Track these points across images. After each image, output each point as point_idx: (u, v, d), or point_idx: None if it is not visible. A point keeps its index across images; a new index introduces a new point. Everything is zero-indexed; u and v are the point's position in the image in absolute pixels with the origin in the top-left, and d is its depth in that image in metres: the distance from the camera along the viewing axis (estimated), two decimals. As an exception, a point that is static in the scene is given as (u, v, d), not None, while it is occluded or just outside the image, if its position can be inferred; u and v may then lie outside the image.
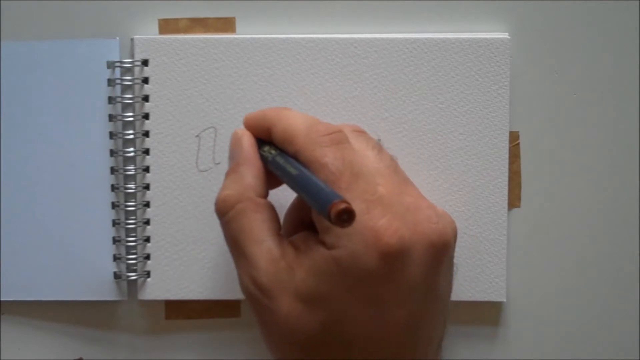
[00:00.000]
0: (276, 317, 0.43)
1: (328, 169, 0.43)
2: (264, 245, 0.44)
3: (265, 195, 0.46)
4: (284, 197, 0.47)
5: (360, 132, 0.46)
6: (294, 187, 0.44)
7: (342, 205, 0.39)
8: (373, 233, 0.42)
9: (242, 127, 0.47)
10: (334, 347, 0.43)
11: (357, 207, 0.41)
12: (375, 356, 0.43)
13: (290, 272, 0.43)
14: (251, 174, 0.45)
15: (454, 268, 0.47)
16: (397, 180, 0.45)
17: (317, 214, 0.43)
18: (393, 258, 0.42)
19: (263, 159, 0.46)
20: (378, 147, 0.46)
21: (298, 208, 0.47)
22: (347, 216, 0.39)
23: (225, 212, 0.45)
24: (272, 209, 0.45)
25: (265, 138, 0.46)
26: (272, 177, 0.46)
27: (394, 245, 0.42)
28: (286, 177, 0.44)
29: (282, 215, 0.46)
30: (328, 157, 0.43)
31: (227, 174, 0.46)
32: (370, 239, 0.42)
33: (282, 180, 0.45)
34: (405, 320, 0.43)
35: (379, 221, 0.42)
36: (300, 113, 0.46)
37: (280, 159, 0.45)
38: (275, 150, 0.46)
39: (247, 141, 0.46)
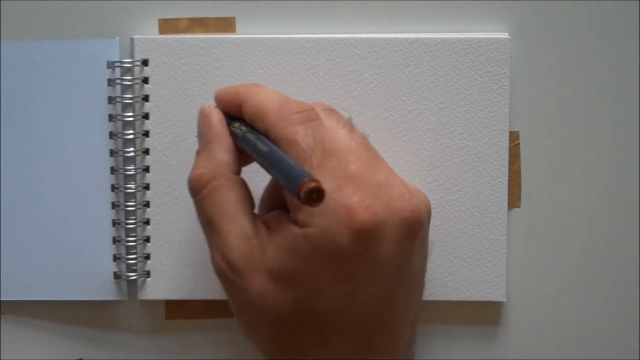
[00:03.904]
0: (248, 296, 0.43)
1: (299, 146, 0.43)
2: (237, 223, 0.44)
3: (239, 172, 0.46)
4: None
5: (331, 111, 0.46)
6: (263, 164, 0.44)
7: (312, 184, 0.39)
8: (345, 210, 0.42)
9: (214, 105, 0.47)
10: (307, 326, 0.43)
11: (329, 184, 0.41)
12: (348, 334, 0.43)
13: (262, 250, 0.43)
14: (223, 150, 0.45)
15: (429, 245, 0.47)
16: (368, 158, 0.45)
17: (286, 194, 0.43)
18: (366, 235, 0.42)
19: (233, 135, 0.46)
20: (349, 125, 0.46)
21: (273, 189, 0.47)
22: (317, 195, 0.39)
23: (199, 190, 0.45)
24: (245, 186, 0.45)
25: (236, 114, 0.46)
26: (242, 155, 0.46)
27: (367, 221, 0.42)
28: (256, 154, 0.44)
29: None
30: (299, 134, 0.43)
31: (198, 152, 0.46)
32: (343, 216, 0.41)
33: (252, 157, 0.45)
34: (378, 297, 0.43)
35: (351, 198, 0.42)
36: (273, 90, 0.46)
37: (250, 136, 0.45)
38: (245, 127, 0.45)
39: (216, 117, 0.46)
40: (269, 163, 0.43)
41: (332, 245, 0.42)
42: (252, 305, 0.44)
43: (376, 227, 0.42)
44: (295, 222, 0.43)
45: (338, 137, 0.44)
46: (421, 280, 0.46)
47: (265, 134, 0.44)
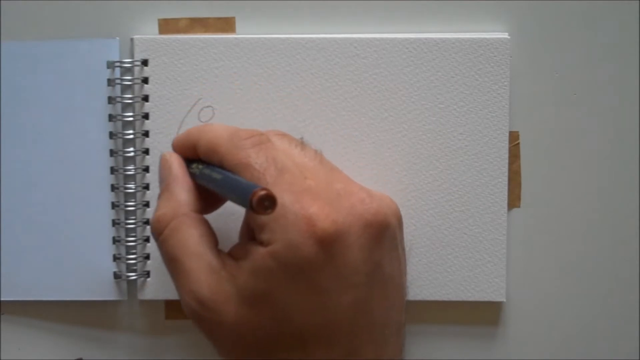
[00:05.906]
0: (224, 329, 0.43)
1: (252, 167, 0.43)
2: (203, 259, 0.44)
3: (200, 211, 0.46)
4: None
5: (283, 135, 0.47)
6: (221, 192, 0.44)
7: (262, 192, 0.40)
8: (305, 221, 0.42)
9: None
10: (288, 344, 0.43)
11: (286, 199, 0.42)
12: (329, 345, 0.43)
13: (232, 280, 0.43)
14: (182, 190, 0.46)
15: (406, 250, 0.47)
16: (324, 171, 0.45)
17: (249, 216, 0.44)
18: (329, 243, 0.42)
19: (192, 176, 0.46)
20: (301, 144, 0.46)
21: (244, 226, 0.47)
22: (269, 202, 0.40)
23: (161, 231, 0.45)
24: (207, 223, 0.45)
25: (193, 157, 0.47)
26: (209, 201, 0.46)
27: (328, 229, 0.42)
28: (212, 184, 0.45)
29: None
30: (251, 157, 0.44)
31: (159, 196, 0.47)
32: (304, 227, 0.42)
33: (211, 189, 0.45)
34: (352, 305, 0.43)
35: (309, 209, 0.42)
36: (222, 125, 0.47)
37: (206, 170, 0.45)
38: (202, 165, 0.46)
39: (175, 161, 0.47)
40: (224, 187, 0.44)
41: (297, 258, 0.42)
42: (230, 336, 0.44)
43: (339, 234, 0.42)
44: (261, 244, 0.43)
45: (291, 156, 0.45)
46: (398, 284, 0.46)
47: (221, 165, 0.45)
